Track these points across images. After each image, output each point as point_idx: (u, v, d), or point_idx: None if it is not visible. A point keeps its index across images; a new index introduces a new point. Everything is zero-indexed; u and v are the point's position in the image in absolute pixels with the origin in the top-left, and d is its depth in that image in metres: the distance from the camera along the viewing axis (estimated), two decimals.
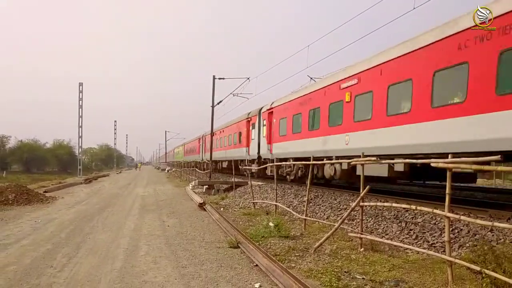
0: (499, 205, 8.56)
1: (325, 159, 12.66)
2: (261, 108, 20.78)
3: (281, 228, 8.41)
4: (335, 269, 5.73)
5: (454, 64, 7.83)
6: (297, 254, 6.77)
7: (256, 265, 6.23)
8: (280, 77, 24.63)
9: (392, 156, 9.18)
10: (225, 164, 29.14)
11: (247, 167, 18.93)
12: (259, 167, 17.27)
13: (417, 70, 8.77)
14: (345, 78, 11.92)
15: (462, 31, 7.59)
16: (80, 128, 37.97)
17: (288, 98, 17.10)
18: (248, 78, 23.79)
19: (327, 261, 6.33)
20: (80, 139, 38.78)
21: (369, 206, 8.43)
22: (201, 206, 13.63)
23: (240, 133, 24.60)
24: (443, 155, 6.16)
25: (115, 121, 68.43)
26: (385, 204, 7.02)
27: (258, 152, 20.67)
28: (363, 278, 5.35)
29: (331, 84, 12.85)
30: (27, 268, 6.23)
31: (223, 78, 24.48)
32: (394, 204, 6.59)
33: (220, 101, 26.42)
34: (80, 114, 37.44)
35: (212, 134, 26.79)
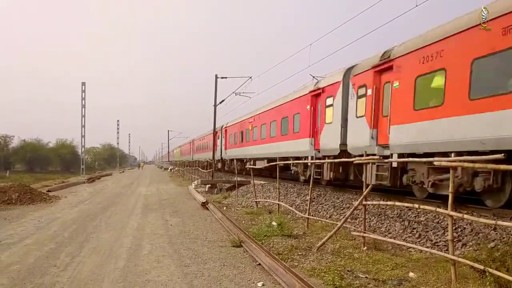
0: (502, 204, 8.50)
1: (245, 160, 23.85)
2: (222, 126, 31.30)
3: (283, 227, 8.40)
4: (338, 268, 5.73)
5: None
6: (300, 253, 6.78)
7: (259, 264, 6.24)
8: (282, 76, 24.60)
9: (264, 159, 19.65)
10: (205, 163, 38.04)
11: (249, 166, 20.67)
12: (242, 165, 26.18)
13: (270, 118, 19.33)
14: (251, 117, 23.06)
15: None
16: (83, 128, 38.11)
17: (232, 122, 28.58)
18: (251, 77, 23.76)
19: (330, 260, 6.33)
20: (83, 138, 38.94)
21: (372, 205, 8.42)
22: (204, 205, 13.66)
23: (212, 141, 32.71)
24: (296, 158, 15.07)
25: (118, 120, 68.43)
26: (388, 202, 7.01)
27: (221, 155, 31.58)
28: (366, 277, 5.35)
29: (246, 119, 24.19)
30: (31, 267, 6.26)
31: (226, 77, 24.38)
32: (397, 203, 6.58)
33: (223, 101, 26.39)
34: (83, 114, 37.57)
35: (214, 133, 26.86)
